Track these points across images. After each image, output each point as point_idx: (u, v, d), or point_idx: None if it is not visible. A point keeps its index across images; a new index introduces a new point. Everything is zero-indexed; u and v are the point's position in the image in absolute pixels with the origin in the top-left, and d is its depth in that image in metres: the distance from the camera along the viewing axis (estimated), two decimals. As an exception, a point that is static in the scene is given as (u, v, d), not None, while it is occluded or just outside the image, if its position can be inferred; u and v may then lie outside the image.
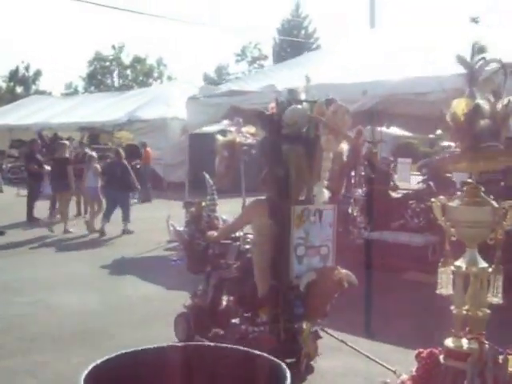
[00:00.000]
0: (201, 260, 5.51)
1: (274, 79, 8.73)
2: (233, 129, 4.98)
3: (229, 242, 5.32)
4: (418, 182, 9.42)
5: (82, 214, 12.86)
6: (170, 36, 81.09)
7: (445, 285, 3.30)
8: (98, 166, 11.91)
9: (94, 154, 12.52)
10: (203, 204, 5.67)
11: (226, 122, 8.17)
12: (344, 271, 4.58)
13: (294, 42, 49.82)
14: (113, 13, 79.18)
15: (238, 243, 5.30)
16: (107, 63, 52.39)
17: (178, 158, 16.76)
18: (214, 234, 5.29)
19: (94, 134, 22.49)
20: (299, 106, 4.36)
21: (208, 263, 5.40)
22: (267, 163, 4.41)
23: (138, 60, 51.94)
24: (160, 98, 19.77)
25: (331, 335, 4.81)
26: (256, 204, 4.69)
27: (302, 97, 4.57)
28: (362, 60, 8.60)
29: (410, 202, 8.24)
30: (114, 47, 47.05)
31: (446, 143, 7.64)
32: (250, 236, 5.25)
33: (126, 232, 11.21)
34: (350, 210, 7.97)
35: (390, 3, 48.04)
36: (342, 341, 4.80)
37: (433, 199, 3.40)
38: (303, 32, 51.19)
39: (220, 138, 4.98)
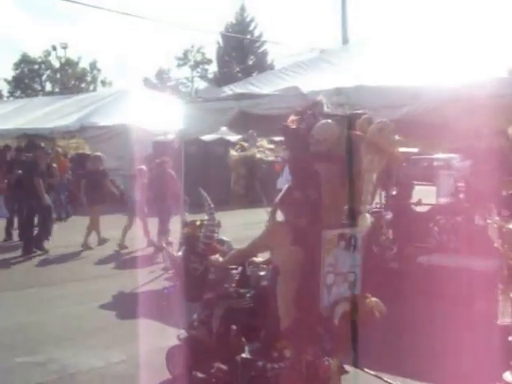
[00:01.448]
0: (198, 286, 5.44)
1: (289, 81, 8.31)
2: (246, 143, 4.92)
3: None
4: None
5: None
6: (105, 39, 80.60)
7: (506, 313, 3.35)
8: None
9: (144, 167, 12.55)
10: (198, 223, 5.62)
11: (223, 129, 8.07)
12: (374, 299, 4.60)
13: (239, 46, 51.26)
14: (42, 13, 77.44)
15: (239, 269, 5.27)
16: (36, 66, 51.75)
17: (137, 169, 16.58)
18: (219, 258, 5.23)
19: (31, 141, 21.84)
20: (330, 121, 4.39)
21: (207, 290, 5.34)
22: (296, 183, 4.40)
23: (69, 63, 51.50)
24: (117, 103, 19.55)
25: (367, 372, 4.82)
26: (278, 228, 4.64)
27: (325, 109, 4.62)
28: (400, 61, 7.99)
29: (438, 217, 8.07)
30: (54, 48, 46.41)
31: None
32: (257, 260, 5.24)
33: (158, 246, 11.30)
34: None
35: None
36: (377, 376, 4.81)
37: (488, 220, 3.46)
38: (249, 36, 52.48)
39: (234, 153, 4.93)
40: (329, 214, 4.38)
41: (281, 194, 4.72)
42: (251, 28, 52.68)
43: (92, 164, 12.88)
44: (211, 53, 55.93)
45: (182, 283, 5.50)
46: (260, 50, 53.50)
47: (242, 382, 4.76)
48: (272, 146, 5.68)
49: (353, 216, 4.46)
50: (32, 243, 11.60)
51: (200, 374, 5.23)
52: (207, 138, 18.16)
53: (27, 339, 6.43)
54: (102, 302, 7.86)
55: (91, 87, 51.31)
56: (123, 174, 17.00)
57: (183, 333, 5.42)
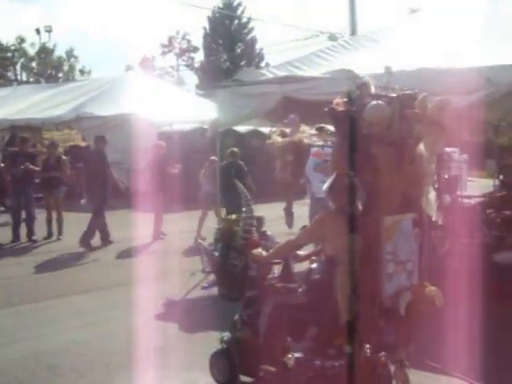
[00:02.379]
0: (238, 284, 5.51)
1: (334, 63, 8.07)
2: (288, 128, 4.97)
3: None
4: (494, 186, 9.23)
5: (53, 235, 12.82)
6: (83, 25, 79.77)
7: None
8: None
9: (214, 157, 12.26)
10: (233, 217, 5.67)
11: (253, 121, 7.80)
12: (433, 288, 4.69)
13: (226, 33, 51.14)
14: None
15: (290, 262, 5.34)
16: (9, 54, 51.64)
17: (140, 162, 16.58)
18: (263, 252, 5.29)
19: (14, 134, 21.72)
20: (381, 102, 4.44)
21: (248, 288, 5.40)
22: (350, 168, 4.45)
23: (44, 51, 51.19)
24: (115, 91, 19.55)
25: (435, 365, 4.89)
26: (332, 216, 4.71)
27: (372, 90, 4.67)
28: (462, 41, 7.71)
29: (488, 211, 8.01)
30: (38, 31, 46.14)
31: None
32: (300, 253, 5.31)
33: None
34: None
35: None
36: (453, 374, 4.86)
37: None
38: (236, 22, 52.59)
39: (278, 138, 4.98)
40: (386, 200, 4.44)
41: (329, 181, 4.79)
42: (239, 12, 52.52)
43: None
44: (197, 40, 56.11)
45: (220, 282, 5.56)
46: (248, 37, 53.44)
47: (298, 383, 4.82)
48: (315, 132, 5.44)
49: (410, 201, 4.53)
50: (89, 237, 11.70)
51: (247, 378, 5.33)
52: (241, 129, 18.33)
53: (85, 360, 5.92)
54: (152, 311, 7.31)
55: (69, 77, 50.92)
56: (125, 168, 17.13)
57: (226, 335, 5.48)
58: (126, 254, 11.28)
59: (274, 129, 7.46)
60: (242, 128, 18.10)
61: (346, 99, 4.62)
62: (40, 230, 12.62)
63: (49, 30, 44.08)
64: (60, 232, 12.65)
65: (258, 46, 53.00)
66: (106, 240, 12.26)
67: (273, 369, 5.10)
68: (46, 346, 6.21)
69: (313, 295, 4.82)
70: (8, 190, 12.66)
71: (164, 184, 12.70)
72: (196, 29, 63.76)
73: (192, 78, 55.73)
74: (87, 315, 7.24)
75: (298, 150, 4.78)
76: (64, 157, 12.96)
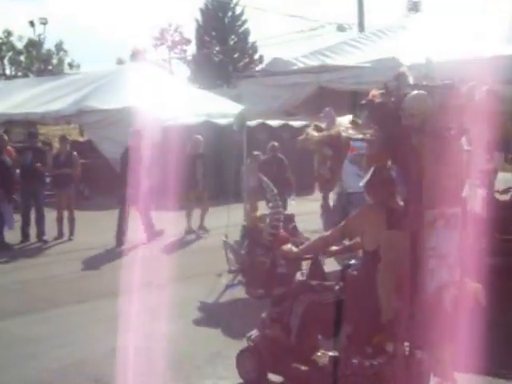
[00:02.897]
0: (266, 282, 5.54)
1: (368, 52, 7.96)
2: (323, 122, 4.99)
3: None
4: None
5: (64, 235, 12.50)
6: (72, 18, 79.36)
7: None
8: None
9: (258, 152, 12.38)
10: (258, 214, 5.71)
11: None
12: (475, 284, 4.73)
13: (219, 25, 51.41)
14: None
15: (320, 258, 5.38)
16: None
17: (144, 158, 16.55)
18: (293, 248, 5.31)
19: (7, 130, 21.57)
20: (422, 92, 4.47)
21: (276, 285, 5.43)
22: (393, 161, 4.49)
23: (32, 44, 51.08)
24: (116, 83, 19.48)
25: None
26: (372, 210, 4.75)
27: (410, 81, 4.70)
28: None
29: None
30: (32, 24, 46.03)
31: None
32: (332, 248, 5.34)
33: None
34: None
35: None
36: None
37: None
38: (230, 13, 52.96)
39: (315, 133, 5.00)
40: (429, 193, 4.47)
41: (367, 175, 4.83)
42: (232, 4, 52.76)
43: (192, 148, 13.18)
44: (190, 33, 56.46)
45: (247, 279, 5.59)
46: (241, 30, 53.71)
47: (334, 382, 4.86)
48: (348, 125, 5.31)
49: (451, 194, 4.56)
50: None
51: (275, 377, 5.37)
52: (273, 123, 18.60)
53: (134, 371, 5.59)
54: (191, 315, 7.09)
55: (59, 71, 50.89)
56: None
57: (254, 333, 5.51)
58: (153, 252, 11.13)
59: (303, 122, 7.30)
60: (273, 122, 18.29)
61: (382, 90, 4.67)
62: (49, 230, 12.35)
63: (44, 23, 43.82)
64: (72, 232, 12.38)
65: (251, 39, 53.97)
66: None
67: (304, 367, 5.14)
68: (85, 355, 6.06)
69: (351, 292, 4.85)
70: (16, 186, 12.27)
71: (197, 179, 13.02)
72: (189, 21, 63.47)
73: (183, 71, 55.86)
74: (116, 320, 6.80)
75: (337, 144, 4.77)
76: (75, 152, 12.57)
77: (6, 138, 12.55)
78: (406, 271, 4.50)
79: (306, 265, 5.41)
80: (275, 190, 5.40)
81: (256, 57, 53.25)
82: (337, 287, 4.98)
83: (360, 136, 4.59)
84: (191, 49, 56.90)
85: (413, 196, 4.42)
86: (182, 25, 57.46)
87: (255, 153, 12.37)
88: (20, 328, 6.92)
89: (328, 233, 5.07)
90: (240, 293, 6.21)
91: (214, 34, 53.00)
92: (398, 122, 4.46)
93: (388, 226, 4.53)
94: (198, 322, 6.92)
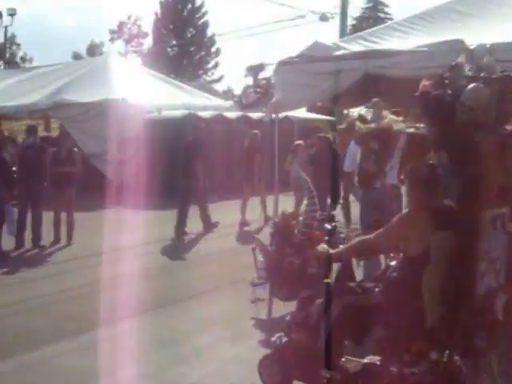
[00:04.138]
0: (294, 283, 5.36)
1: (418, 36, 7.45)
2: (369, 113, 4.84)
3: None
4: None
5: (60, 240, 11.70)
6: (27, 10, 78.08)
7: None
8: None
9: (302, 142, 12.30)
10: (291, 211, 5.55)
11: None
12: None
13: (178, 17, 51.49)
14: None
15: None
16: None
17: (126, 153, 16.31)
18: (330, 250, 5.10)
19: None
20: (481, 85, 4.34)
21: (305, 287, 5.26)
22: (451, 158, 4.34)
23: None
24: (94, 75, 19.13)
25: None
26: (414, 215, 4.56)
27: (466, 71, 4.56)
28: None
29: None
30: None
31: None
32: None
33: None
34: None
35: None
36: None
37: None
38: (189, 6, 53.06)
39: (361, 125, 4.83)
40: (486, 192, 4.34)
41: (411, 173, 4.67)
42: None
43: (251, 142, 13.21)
44: (149, 26, 56.08)
45: (274, 279, 5.40)
46: (200, 22, 53.86)
47: None
48: (399, 118, 5.00)
49: (505, 193, 4.45)
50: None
51: (303, 384, 5.19)
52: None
53: None
54: (253, 338, 6.37)
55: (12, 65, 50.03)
56: (110, 160, 16.70)
57: (279, 337, 5.33)
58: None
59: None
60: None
61: (435, 81, 4.53)
62: (45, 235, 11.38)
63: (12, 14, 42.87)
64: (70, 236, 11.48)
65: (209, 30, 54.02)
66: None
67: (334, 374, 4.97)
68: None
69: (392, 296, 4.69)
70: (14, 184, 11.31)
71: (254, 172, 13.07)
72: (149, 14, 63.53)
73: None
74: (163, 341, 6.46)
75: (387, 137, 4.59)
76: (76, 149, 11.90)
77: (5, 133, 11.90)
78: (456, 275, 4.35)
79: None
80: (312, 187, 5.22)
81: (213, 49, 53.81)
82: (377, 290, 4.80)
83: (412, 129, 4.42)
84: (148, 42, 57.01)
85: (469, 195, 4.27)
86: (141, 17, 58.52)
87: (298, 143, 12.46)
88: (65, 359, 6.05)
89: (368, 237, 4.83)
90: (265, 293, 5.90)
91: (171, 27, 53.13)
92: (452, 116, 4.32)
93: (437, 227, 4.37)
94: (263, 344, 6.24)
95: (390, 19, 52.93)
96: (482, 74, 4.45)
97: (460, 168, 4.24)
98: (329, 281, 5.01)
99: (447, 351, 4.43)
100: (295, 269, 5.19)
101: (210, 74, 54.75)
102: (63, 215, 11.52)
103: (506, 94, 4.30)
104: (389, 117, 4.77)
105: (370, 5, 56.95)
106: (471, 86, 4.31)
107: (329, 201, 11.77)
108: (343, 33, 23.80)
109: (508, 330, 4.37)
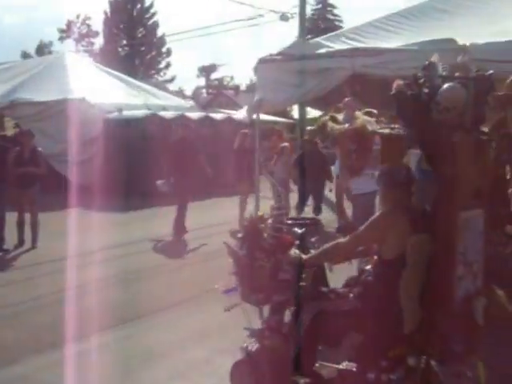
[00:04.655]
0: (266, 287, 5.27)
1: (401, 34, 7.36)
2: (341, 114, 4.76)
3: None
4: None
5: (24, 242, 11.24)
6: None
7: None
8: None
9: (287, 144, 12.73)
10: (260, 214, 5.45)
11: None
12: (500, 291, 4.61)
13: (127, 17, 52.34)
14: None
15: None
16: None
17: (87, 154, 16.07)
18: (301, 255, 5.02)
19: None
20: (458, 85, 4.29)
21: (277, 291, 5.17)
22: (427, 159, 4.29)
23: None
24: (52, 73, 18.79)
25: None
26: (389, 216, 4.50)
27: (439, 71, 4.51)
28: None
29: None
30: None
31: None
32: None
33: None
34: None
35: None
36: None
37: None
38: (139, 6, 53.81)
39: (336, 126, 4.74)
40: (462, 194, 4.30)
41: (384, 174, 4.61)
42: None
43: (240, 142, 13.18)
44: (98, 25, 56.38)
45: (246, 284, 5.30)
46: (150, 22, 54.60)
47: None
48: (372, 118, 4.86)
49: (480, 195, 4.42)
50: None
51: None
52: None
53: None
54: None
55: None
56: (70, 161, 16.39)
57: (251, 343, 5.23)
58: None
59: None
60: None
61: (409, 81, 4.48)
62: (8, 237, 10.93)
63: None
64: (35, 239, 11.07)
65: (160, 30, 54.69)
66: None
67: (307, 380, 4.86)
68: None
69: (368, 301, 4.62)
70: None
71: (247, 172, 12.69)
72: (97, 13, 63.60)
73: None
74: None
75: (362, 138, 4.52)
76: (40, 148, 11.46)
77: None
78: (433, 278, 4.30)
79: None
80: (280, 190, 5.12)
81: (163, 49, 54.38)
82: (351, 295, 4.72)
83: (387, 130, 4.35)
84: (99, 41, 57.13)
85: (446, 196, 4.22)
86: (90, 17, 57.85)
87: (284, 145, 12.87)
88: (45, 374, 5.70)
89: (342, 240, 4.75)
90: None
91: (121, 26, 53.61)
92: (430, 116, 4.27)
93: (414, 229, 4.31)
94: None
95: (340, 21, 53.99)
96: (456, 74, 4.40)
97: (436, 169, 4.16)
98: (301, 286, 4.96)
99: (425, 357, 4.42)
100: (266, 273, 5.07)
101: (162, 74, 55.65)
102: (27, 216, 11.17)
103: (481, 95, 4.25)
104: (362, 117, 4.67)
105: (319, 6, 57.28)
106: (447, 85, 4.27)
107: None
108: (302, 33, 23.76)
109: (488, 335, 4.31)
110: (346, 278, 5.09)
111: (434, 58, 4.50)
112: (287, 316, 5.03)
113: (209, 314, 6.97)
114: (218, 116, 19.25)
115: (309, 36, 25.81)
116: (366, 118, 4.65)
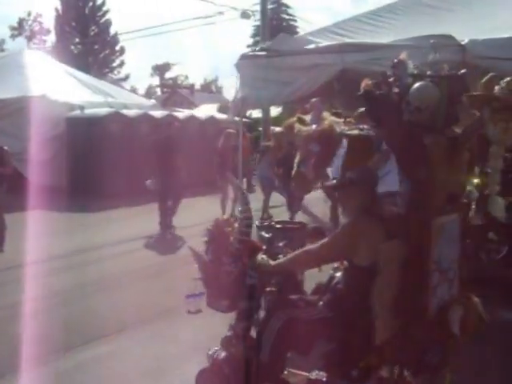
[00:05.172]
0: (233, 293, 5.12)
1: (388, 29, 7.18)
2: (308, 115, 4.61)
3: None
4: None
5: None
6: None
7: None
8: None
9: (270, 143, 12.86)
10: (225, 217, 5.31)
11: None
12: (476, 299, 4.52)
13: (79, 15, 52.72)
14: None
15: None
16: None
17: (48, 153, 15.79)
18: (269, 261, 4.88)
19: None
20: (430, 84, 4.16)
21: (244, 298, 5.03)
22: (398, 162, 4.15)
23: None
24: (9, 69, 18.41)
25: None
26: (361, 222, 4.36)
27: (409, 69, 4.38)
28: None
29: None
30: None
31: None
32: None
33: None
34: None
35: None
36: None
37: None
38: (91, 4, 54.26)
39: (303, 127, 4.58)
40: (435, 199, 4.18)
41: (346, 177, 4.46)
42: None
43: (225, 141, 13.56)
44: (50, 22, 56.93)
45: (211, 290, 5.15)
46: (102, 20, 54.95)
47: None
48: (340, 119, 4.67)
49: (454, 199, 4.32)
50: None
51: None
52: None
53: None
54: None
55: None
56: (30, 160, 16.05)
57: (217, 351, 5.08)
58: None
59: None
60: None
61: (377, 80, 4.36)
62: None
63: None
64: (1, 241, 10.59)
65: (112, 29, 55.44)
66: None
67: None
68: None
69: (338, 309, 4.49)
70: None
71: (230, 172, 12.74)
72: (48, 10, 63.79)
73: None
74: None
75: (329, 140, 4.36)
76: (6, 147, 10.94)
77: None
78: (407, 287, 4.18)
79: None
80: (245, 192, 4.96)
81: (117, 48, 54.77)
82: (321, 303, 4.59)
83: (355, 132, 4.20)
84: (51, 39, 57.52)
85: (418, 201, 4.09)
86: (41, 14, 58.64)
87: (267, 144, 13.25)
88: None
89: (313, 247, 4.58)
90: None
91: (74, 24, 53.87)
92: (399, 117, 4.15)
93: (387, 236, 4.18)
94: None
95: (294, 20, 54.35)
96: (428, 73, 4.27)
97: (407, 172, 4.03)
98: (269, 292, 4.84)
99: (398, 367, 4.34)
100: (233, 279, 4.92)
101: (115, 72, 55.94)
102: None
103: (455, 94, 4.13)
104: (329, 118, 4.51)
105: (274, 6, 57.55)
106: (418, 84, 4.15)
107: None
108: (264, 31, 23.63)
109: (464, 345, 4.21)
110: (315, 285, 4.95)
111: (404, 56, 4.37)
112: (255, 322, 4.88)
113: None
114: (180, 115, 19.09)
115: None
116: (334, 118, 4.50)
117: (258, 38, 64.73)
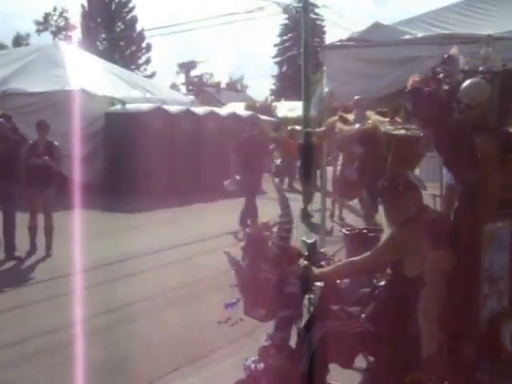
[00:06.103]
0: (272, 302, 5.08)
1: (487, 20, 6.95)
2: (351, 114, 4.52)
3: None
4: None
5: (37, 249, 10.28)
6: None
7: None
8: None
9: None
10: (265, 220, 5.25)
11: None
12: None
13: (105, 11, 53.74)
14: None
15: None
16: None
17: (86, 149, 15.85)
18: (313, 268, 4.80)
19: None
20: (481, 80, 4.05)
21: (283, 306, 4.99)
22: (446, 164, 4.05)
23: None
24: (46, 62, 18.47)
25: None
26: (412, 228, 4.26)
27: (460, 65, 4.27)
28: None
29: None
30: None
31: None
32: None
33: None
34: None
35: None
36: None
37: None
38: (116, 0, 55.07)
39: (344, 126, 4.50)
40: (487, 204, 4.06)
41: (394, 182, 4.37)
42: None
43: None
44: (76, 18, 57.72)
45: (248, 297, 5.11)
46: (128, 17, 55.85)
47: None
48: (386, 119, 4.54)
49: (507, 204, 4.19)
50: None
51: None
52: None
53: None
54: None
55: None
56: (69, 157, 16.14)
57: (254, 361, 5.04)
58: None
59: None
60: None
61: (426, 76, 4.26)
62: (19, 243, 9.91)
63: None
64: (49, 245, 10.07)
65: (138, 25, 56.02)
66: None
67: None
68: None
69: (381, 322, 4.40)
70: None
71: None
72: (75, 6, 65.30)
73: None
74: None
75: (371, 141, 4.26)
76: (56, 142, 10.32)
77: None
78: (455, 297, 4.08)
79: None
80: (286, 196, 4.89)
81: (143, 45, 55.56)
82: (363, 315, 4.50)
83: (402, 132, 4.11)
84: (76, 35, 57.46)
85: (469, 206, 3.98)
86: (67, 9, 59.30)
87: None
88: None
89: (359, 259, 4.46)
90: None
91: (99, 20, 54.98)
92: (447, 115, 4.04)
93: (434, 245, 4.07)
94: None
95: (322, 20, 53.84)
96: (480, 68, 4.15)
97: (457, 175, 3.92)
98: (310, 301, 4.77)
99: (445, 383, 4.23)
100: (272, 286, 4.87)
101: (142, 69, 56.37)
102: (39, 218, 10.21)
103: (508, 91, 4.00)
104: (373, 117, 4.42)
105: (300, 5, 57.27)
106: (469, 81, 4.03)
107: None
108: (306, 27, 23.42)
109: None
110: (358, 294, 4.86)
111: (454, 51, 4.26)
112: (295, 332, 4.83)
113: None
114: (222, 112, 19.12)
115: (289, 34, 25.46)
116: (379, 117, 4.40)
117: (285, 37, 65.40)
